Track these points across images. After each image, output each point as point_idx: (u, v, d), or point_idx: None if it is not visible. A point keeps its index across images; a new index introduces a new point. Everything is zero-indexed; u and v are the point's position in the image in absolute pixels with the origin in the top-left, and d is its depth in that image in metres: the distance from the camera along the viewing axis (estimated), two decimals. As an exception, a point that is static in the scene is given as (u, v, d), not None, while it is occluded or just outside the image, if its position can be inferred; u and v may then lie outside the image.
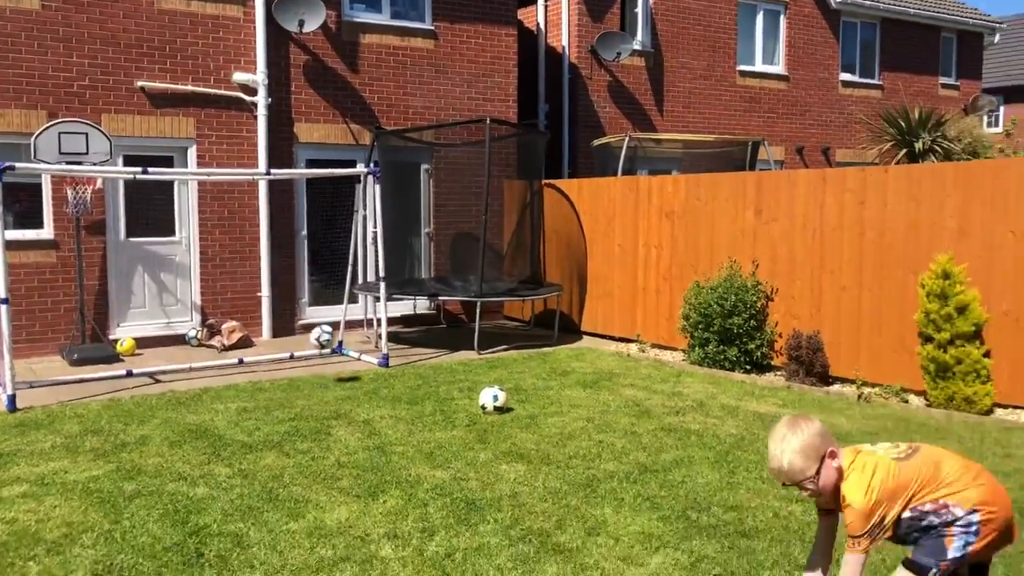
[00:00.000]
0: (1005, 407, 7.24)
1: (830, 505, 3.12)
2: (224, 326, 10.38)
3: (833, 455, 2.97)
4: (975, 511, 2.95)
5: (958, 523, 2.96)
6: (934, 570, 2.97)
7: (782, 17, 16.36)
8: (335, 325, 10.44)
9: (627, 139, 12.65)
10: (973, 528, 2.96)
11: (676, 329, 9.73)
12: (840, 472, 2.99)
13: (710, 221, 9.68)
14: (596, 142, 13.54)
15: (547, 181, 11.88)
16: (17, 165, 7.48)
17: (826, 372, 8.39)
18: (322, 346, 9.03)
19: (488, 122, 10.17)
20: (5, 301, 7.32)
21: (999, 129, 26.43)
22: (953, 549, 2.97)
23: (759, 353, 8.91)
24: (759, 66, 16.19)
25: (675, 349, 10.02)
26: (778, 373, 8.85)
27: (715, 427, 6.70)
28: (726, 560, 4.23)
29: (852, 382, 8.20)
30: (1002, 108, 26.76)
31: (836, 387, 8.23)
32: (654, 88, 14.80)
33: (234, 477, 5.51)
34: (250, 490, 5.26)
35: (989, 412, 7.12)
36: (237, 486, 5.33)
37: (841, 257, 8.41)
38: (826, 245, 8.54)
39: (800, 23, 16.53)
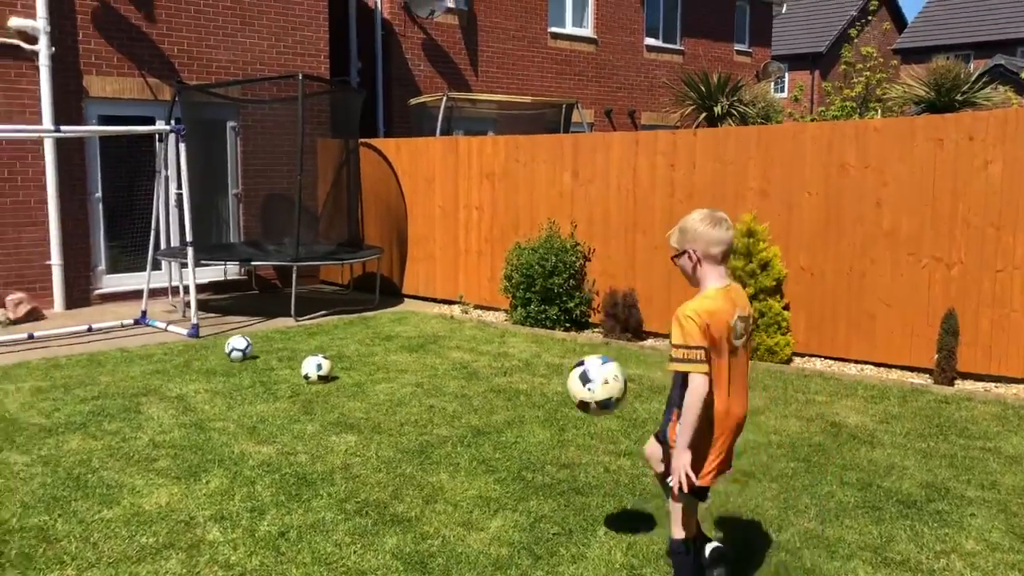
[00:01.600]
0: (802, 356, 7.83)
1: None
2: (9, 298, 9.43)
3: (692, 258, 3.24)
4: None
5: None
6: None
7: (591, -19, 16.67)
8: (138, 295, 9.75)
9: (444, 99, 12.52)
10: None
11: (498, 290, 9.81)
12: (687, 275, 3.31)
13: (530, 183, 9.78)
14: (413, 101, 13.32)
15: (363, 140, 11.57)
16: None
17: (640, 328, 8.74)
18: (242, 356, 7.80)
19: (301, 78, 9.73)
20: None
21: (786, 95, 28.43)
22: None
23: (578, 311, 9.15)
24: (569, 28, 16.46)
25: (498, 309, 10.11)
26: (596, 330, 9.12)
27: (542, 386, 6.82)
28: (563, 518, 4.31)
29: (665, 336, 8.58)
30: (787, 75, 28.75)
31: (650, 342, 8.60)
32: (468, 48, 14.71)
33: (34, 465, 5.02)
34: (54, 478, 4.81)
35: (788, 361, 7.67)
36: (38, 475, 4.86)
37: (653, 218, 8.73)
38: (639, 206, 8.84)
39: (608, -13, 16.92)
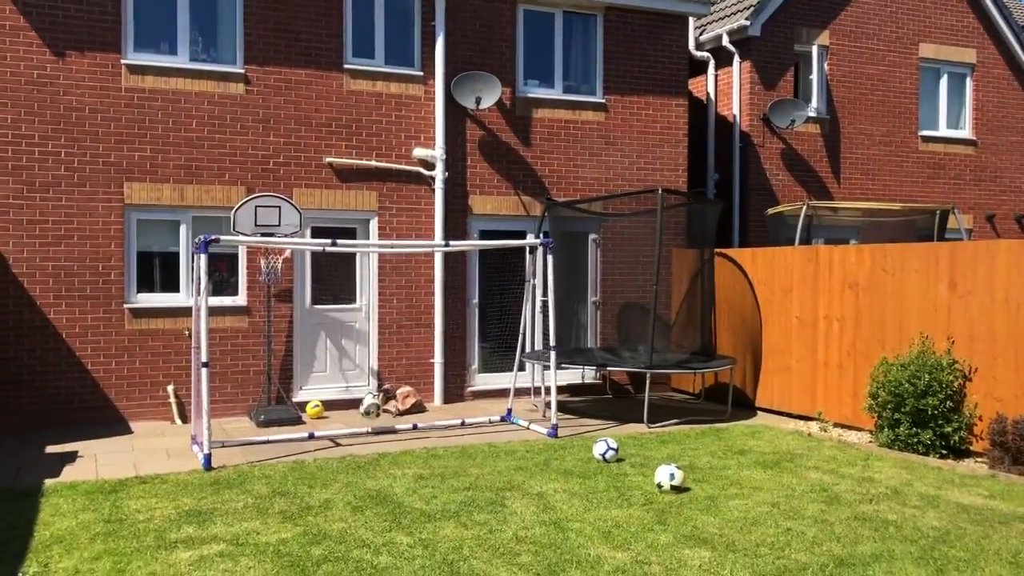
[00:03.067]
0: None
1: None
2: (399, 391, 10.66)
3: None
4: None
5: None
6: None
7: (968, 79, 15.55)
8: (504, 392, 10.51)
9: (805, 207, 12.25)
10: None
11: (862, 408, 9.18)
12: None
13: (898, 294, 9.16)
14: (771, 211, 13.19)
15: (719, 250, 11.65)
16: (222, 238, 8.04)
17: (1036, 461, 7.66)
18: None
19: (660, 192, 10.11)
20: (206, 365, 7.81)
21: None
22: None
23: (957, 437, 8.26)
24: (943, 131, 15.40)
25: (860, 429, 9.45)
26: (979, 460, 8.16)
27: (915, 518, 6.21)
28: (945, 673, 3.85)
29: (1068, 473, 7.44)
30: None
31: (1049, 478, 7.49)
32: (830, 155, 14.33)
33: (415, 547, 5.55)
34: (431, 561, 5.28)
35: None
36: (419, 556, 5.37)
37: (1052, 335, 7.73)
38: (1033, 322, 7.88)
39: (990, 85, 15.66)
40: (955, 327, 8.57)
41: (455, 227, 11.35)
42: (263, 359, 10.31)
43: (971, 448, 8.34)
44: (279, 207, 9.86)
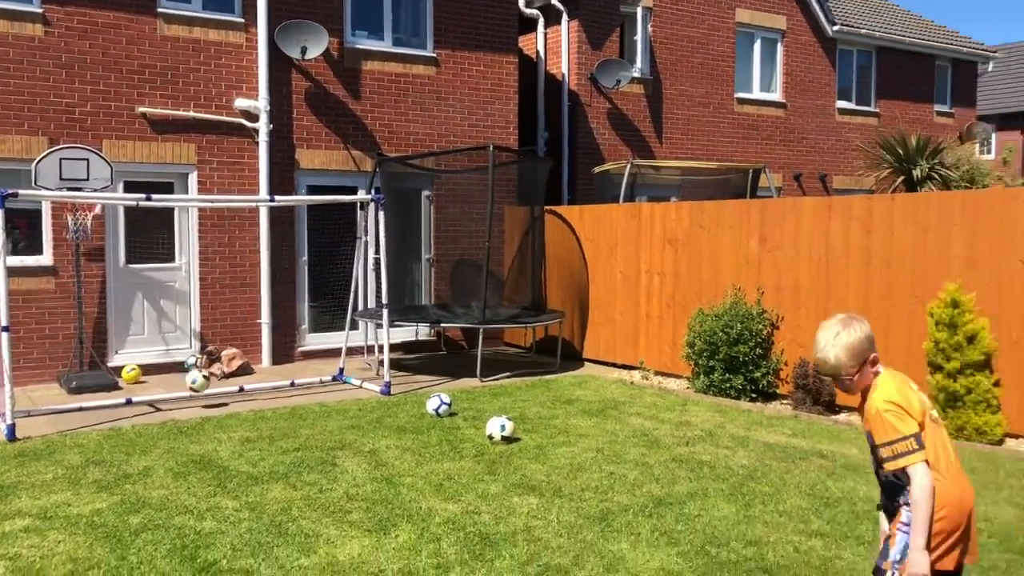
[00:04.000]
0: (1016, 437, 7.20)
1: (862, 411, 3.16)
2: (224, 353, 10.28)
3: (875, 362, 3.07)
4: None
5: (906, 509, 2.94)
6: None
7: (779, 45, 16.46)
8: (336, 352, 10.36)
9: (628, 166, 12.66)
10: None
11: (680, 356, 9.68)
12: (864, 385, 3.10)
13: (714, 248, 9.66)
14: (597, 169, 13.55)
15: (548, 207, 11.87)
16: (20, 192, 7.40)
17: (833, 401, 8.34)
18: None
19: (492, 149, 10.15)
20: (5, 329, 7.23)
21: (992, 157, 26.64)
22: (895, 551, 2.97)
23: (765, 381, 8.86)
24: (757, 93, 16.27)
25: (679, 376, 9.96)
26: (784, 402, 8.79)
27: (727, 458, 6.63)
28: (749, 597, 4.15)
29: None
30: (994, 135, 26.96)
31: (844, 416, 8.18)
32: (653, 115, 14.84)
33: (241, 510, 5.40)
34: (259, 524, 5.16)
35: (1000, 442, 7.07)
36: (245, 520, 5.23)
37: (847, 286, 8.38)
38: (832, 274, 8.52)
39: (797, 51, 16.64)
40: (765, 279, 9.14)
41: (282, 182, 10.96)
42: (74, 322, 9.65)
43: (778, 391, 8.97)
44: (87, 160, 9.19)
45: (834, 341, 3.06)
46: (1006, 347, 7.19)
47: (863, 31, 17.16)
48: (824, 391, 8.28)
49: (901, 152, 13.92)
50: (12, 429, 7.15)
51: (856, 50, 17.65)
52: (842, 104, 17.44)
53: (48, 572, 4.47)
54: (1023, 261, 7.16)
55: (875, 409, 2.97)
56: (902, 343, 7.90)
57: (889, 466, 2.93)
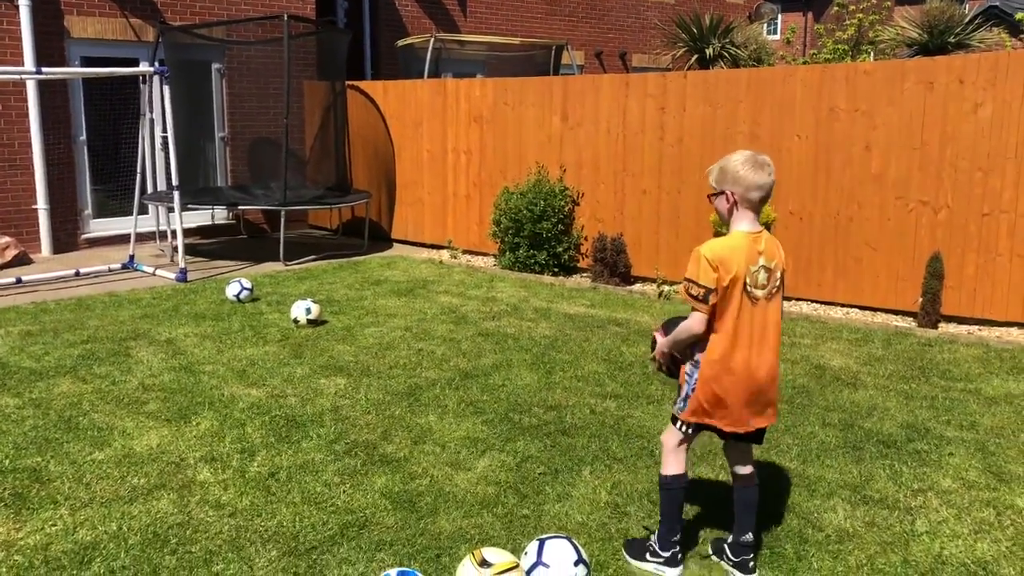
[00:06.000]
0: (789, 299, 7.88)
1: None
2: (-5, 243, 9.40)
3: (733, 204, 3.13)
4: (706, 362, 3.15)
5: (691, 363, 3.21)
6: (679, 422, 3.27)
7: (582, -81, 16.33)
8: (126, 239, 9.71)
9: (432, 40, 12.35)
10: (694, 377, 3.19)
11: (487, 235, 9.80)
12: (722, 215, 3.21)
13: (518, 126, 9.71)
14: (401, 43, 13.13)
15: (351, 83, 11.43)
16: None
17: (628, 272, 8.77)
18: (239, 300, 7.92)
19: (286, 18, 9.57)
20: None
21: (778, 37, 28.11)
22: (682, 397, 3.25)
23: (567, 256, 9.16)
24: (560, -32, 16.17)
25: (487, 254, 10.12)
26: (584, 275, 9.16)
27: (530, 330, 6.86)
28: (549, 458, 4.38)
29: (653, 281, 8.62)
30: (780, 16, 28.39)
31: (638, 286, 8.64)
32: (457, -12, 14.46)
33: (25, 407, 5.06)
34: (45, 420, 4.85)
35: (775, 304, 7.72)
36: (29, 417, 4.90)
37: (642, 161, 8.70)
38: (628, 149, 8.80)
39: (599, -74, 16.60)
40: (567, 156, 9.32)
41: (50, 53, 9.88)
42: None
43: (579, 265, 9.32)
44: None
45: (723, 159, 3.20)
46: (783, 217, 7.77)
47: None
48: (620, 263, 8.68)
49: (695, 31, 14.39)
50: None
51: (655, -73, 17.81)
52: (642, -18, 17.69)
53: None
54: (799, 136, 7.68)
55: (697, 249, 3.13)
56: (691, 213, 8.35)
57: (680, 295, 3.15)
